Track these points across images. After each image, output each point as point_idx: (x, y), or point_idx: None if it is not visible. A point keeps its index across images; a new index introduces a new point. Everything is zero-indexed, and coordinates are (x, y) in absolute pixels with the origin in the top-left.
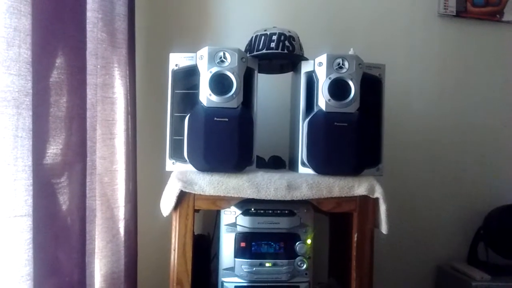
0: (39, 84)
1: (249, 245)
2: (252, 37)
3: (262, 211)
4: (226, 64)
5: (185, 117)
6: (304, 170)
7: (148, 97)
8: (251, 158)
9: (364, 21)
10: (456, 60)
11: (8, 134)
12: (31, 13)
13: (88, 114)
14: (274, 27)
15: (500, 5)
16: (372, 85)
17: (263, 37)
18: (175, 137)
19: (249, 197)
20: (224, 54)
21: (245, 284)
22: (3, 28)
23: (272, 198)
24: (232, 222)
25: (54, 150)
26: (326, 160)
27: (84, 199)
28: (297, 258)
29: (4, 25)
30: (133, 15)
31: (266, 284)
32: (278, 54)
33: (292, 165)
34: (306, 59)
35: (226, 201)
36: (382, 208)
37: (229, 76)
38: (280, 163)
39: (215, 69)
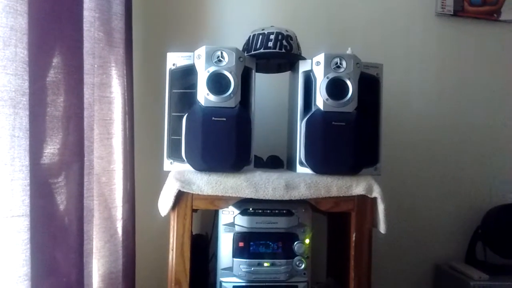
0: (36, 84)
1: (247, 245)
2: (250, 36)
3: (260, 211)
4: (224, 63)
5: (182, 116)
6: (302, 170)
7: (145, 96)
8: (249, 157)
9: (362, 20)
10: (454, 59)
11: (5, 134)
12: (28, 12)
13: (85, 113)
14: (271, 26)
15: (497, 4)
16: (370, 84)
17: (260, 37)
18: (172, 137)
19: (247, 196)
20: (221, 53)
21: (243, 284)
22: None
23: (270, 198)
24: (230, 222)
25: (51, 150)
26: (324, 160)
27: (81, 199)
28: (295, 258)
29: (0, 24)
30: (130, 14)
31: (264, 284)
32: (276, 53)
33: (290, 165)
34: (304, 59)
35: (224, 200)
36: (380, 207)
37: (226, 76)
38: (278, 162)
39: (212, 69)
